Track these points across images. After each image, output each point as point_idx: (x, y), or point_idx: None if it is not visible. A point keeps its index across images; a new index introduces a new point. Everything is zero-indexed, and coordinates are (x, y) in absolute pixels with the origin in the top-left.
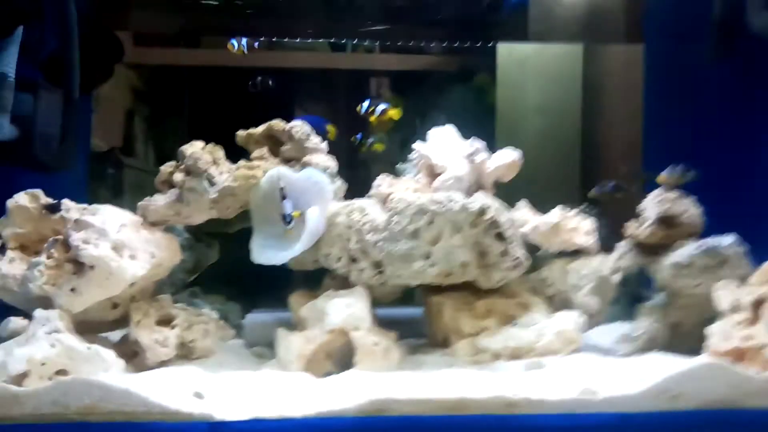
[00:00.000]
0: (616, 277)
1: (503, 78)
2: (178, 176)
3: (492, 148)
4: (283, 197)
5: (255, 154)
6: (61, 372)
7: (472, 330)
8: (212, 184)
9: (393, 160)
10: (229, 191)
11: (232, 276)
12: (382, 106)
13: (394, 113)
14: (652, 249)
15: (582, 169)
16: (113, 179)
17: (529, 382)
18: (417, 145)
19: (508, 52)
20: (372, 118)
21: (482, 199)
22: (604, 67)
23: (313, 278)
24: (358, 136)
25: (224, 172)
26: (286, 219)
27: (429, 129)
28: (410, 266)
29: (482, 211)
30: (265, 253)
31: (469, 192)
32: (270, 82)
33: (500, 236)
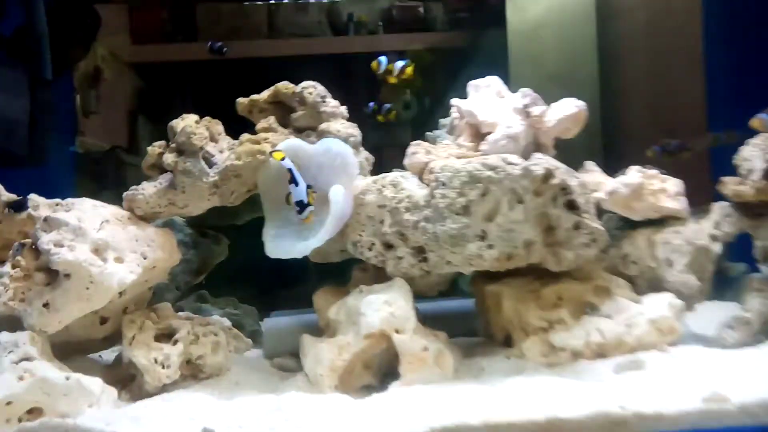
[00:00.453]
0: (717, 247)
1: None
2: (169, 157)
3: None
4: (292, 181)
5: (260, 124)
6: (34, 411)
7: (542, 324)
8: (211, 164)
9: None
10: (232, 172)
11: (246, 274)
12: (400, 63)
13: (410, 70)
14: (757, 209)
15: (603, 138)
16: (116, 179)
17: (630, 389)
18: (456, 102)
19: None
20: (391, 79)
21: (547, 160)
22: (634, 20)
23: (340, 271)
24: (370, 104)
25: (225, 150)
26: (301, 205)
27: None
28: (462, 250)
29: (549, 175)
30: (281, 244)
31: (526, 154)
32: (224, 49)
33: (572, 205)
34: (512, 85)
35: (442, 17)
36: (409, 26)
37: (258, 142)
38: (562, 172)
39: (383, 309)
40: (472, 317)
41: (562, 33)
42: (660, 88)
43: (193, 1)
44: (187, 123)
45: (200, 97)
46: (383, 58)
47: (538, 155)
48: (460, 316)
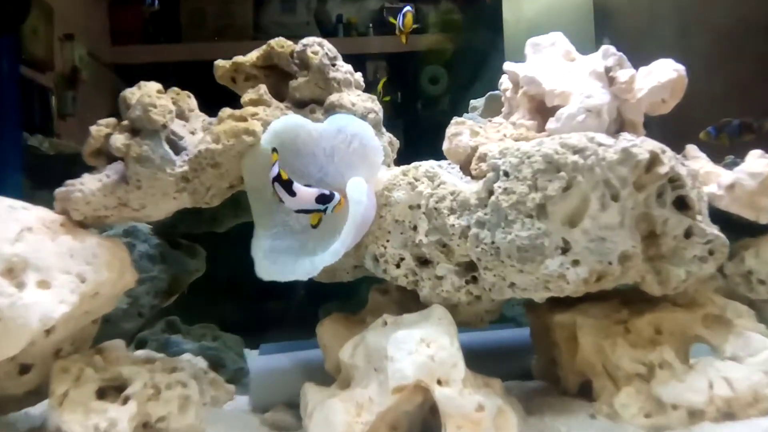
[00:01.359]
0: None
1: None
2: (119, 139)
3: None
4: (278, 179)
5: (247, 96)
6: None
7: (638, 368)
8: (178, 149)
9: None
10: (207, 159)
11: (229, 293)
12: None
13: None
14: None
15: None
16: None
17: None
18: (510, 66)
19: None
20: (402, 38)
21: (648, 141)
22: None
23: (350, 285)
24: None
25: (198, 130)
26: (316, 208)
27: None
28: (536, 268)
29: (655, 160)
30: (278, 261)
31: (608, 134)
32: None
33: (683, 203)
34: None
35: (434, 19)
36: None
37: (244, 119)
38: (670, 157)
39: (419, 351)
40: (522, 353)
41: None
42: None
43: (177, 1)
44: (145, 92)
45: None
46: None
47: (626, 135)
48: (503, 350)
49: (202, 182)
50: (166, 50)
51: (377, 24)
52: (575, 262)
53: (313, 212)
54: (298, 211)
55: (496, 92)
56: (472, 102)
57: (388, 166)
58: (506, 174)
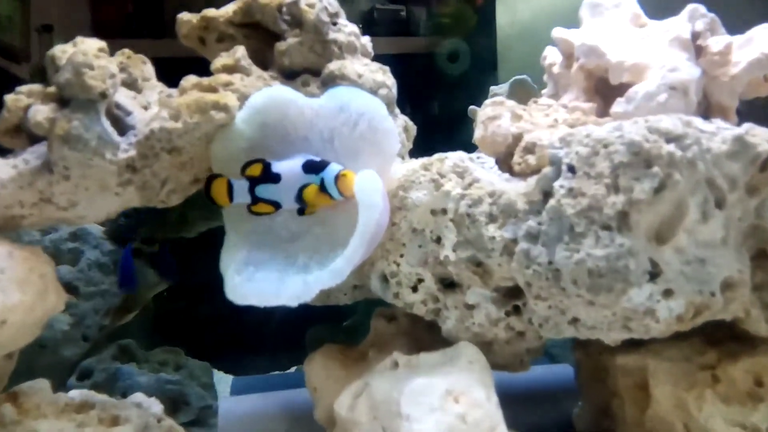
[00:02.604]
0: None
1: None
2: (42, 111)
3: None
4: (252, 181)
5: (220, 60)
6: None
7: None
8: (125, 128)
9: None
10: (162, 142)
11: (198, 310)
12: None
13: None
14: None
15: None
16: None
17: None
18: (560, 33)
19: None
20: None
21: (764, 131)
22: None
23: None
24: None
25: (152, 105)
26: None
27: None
28: (614, 299)
29: None
30: (255, 279)
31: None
32: None
33: None
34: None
35: (425, 21)
36: (390, 29)
37: (213, 90)
38: None
39: (446, 408)
40: (560, 398)
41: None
42: None
43: None
44: (80, 49)
45: None
46: None
47: (720, 122)
48: (535, 393)
49: (155, 173)
50: (149, 45)
51: (367, 25)
52: (668, 293)
53: (307, 189)
54: (300, 202)
55: (522, 76)
56: (493, 88)
57: (402, 158)
58: (572, 169)
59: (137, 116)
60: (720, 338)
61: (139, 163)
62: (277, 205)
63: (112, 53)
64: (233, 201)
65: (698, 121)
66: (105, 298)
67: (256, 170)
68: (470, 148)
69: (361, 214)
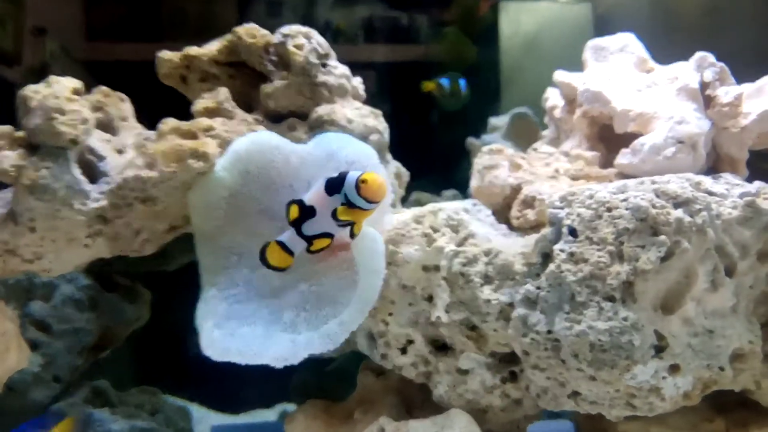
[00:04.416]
0: None
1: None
2: (9, 159)
3: None
4: (294, 224)
5: (201, 103)
6: None
7: None
8: (96, 175)
9: None
10: (136, 191)
11: (179, 348)
12: None
13: None
14: None
15: None
16: None
17: None
18: (563, 76)
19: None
20: None
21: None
22: None
23: None
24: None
25: (128, 148)
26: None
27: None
28: (617, 376)
29: None
30: (237, 334)
31: (700, 173)
32: None
33: None
34: (503, 101)
35: (427, 29)
36: (391, 37)
37: (193, 136)
38: None
39: None
40: None
41: (558, 46)
42: None
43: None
44: (52, 92)
45: (162, 102)
46: None
47: (730, 177)
48: None
49: (127, 223)
50: (144, 49)
51: (367, 32)
52: (674, 369)
53: (338, 210)
54: (340, 224)
55: (522, 109)
56: (492, 120)
57: (394, 205)
58: (573, 232)
59: (111, 162)
60: (728, 405)
61: (111, 213)
62: (329, 236)
63: (108, 56)
64: (294, 255)
65: (708, 182)
66: (79, 335)
67: (294, 213)
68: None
69: (363, 278)
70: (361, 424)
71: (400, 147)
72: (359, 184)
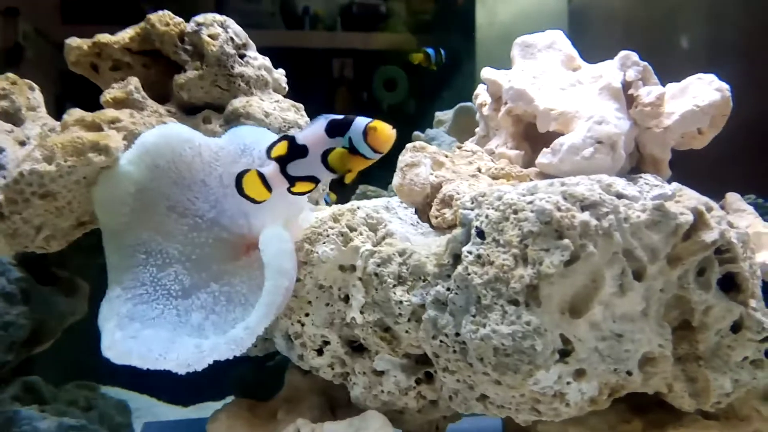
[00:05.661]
0: None
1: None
2: None
3: None
4: (280, 161)
5: (111, 92)
6: None
7: None
8: None
9: None
10: (33, 186)
11: None
12: None
13: None
14: None
15: None
16: None
17: None
18: (490, 74)
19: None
20: None
21: (687, 192)
22: None
23: None
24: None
25: (32, 139)
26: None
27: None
28: (521, 381)
29: (699, 222)
30: (140, 336)
31: (621, 174)
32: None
33: (732, 282)
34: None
35: (405, 17)
36: (369, 25)
37: (98, 127)
38: (720, 218)
39: None
40: None
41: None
42: None
43: None
44: None
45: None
46: None
47: (650, 178)
48: None
49: (26, 220)
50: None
51: (345, 19)
52: (579, 374)
53: (331, 154)
54: (331, 170)
55: (468, 104)
56: (438, 114)
57: (316, 203)
58: (481, 234)
59: (9, 154)
60: (645, 405)
61: (7, 209)
62: (314, 180)
63: (82, 38)
64: (272, 190)
65: (620, 184)
66: (9, 330)
67: (282, 149)
68: None
69: (268, 279)
70: (283, 424)
71: None
72: (368, 130)
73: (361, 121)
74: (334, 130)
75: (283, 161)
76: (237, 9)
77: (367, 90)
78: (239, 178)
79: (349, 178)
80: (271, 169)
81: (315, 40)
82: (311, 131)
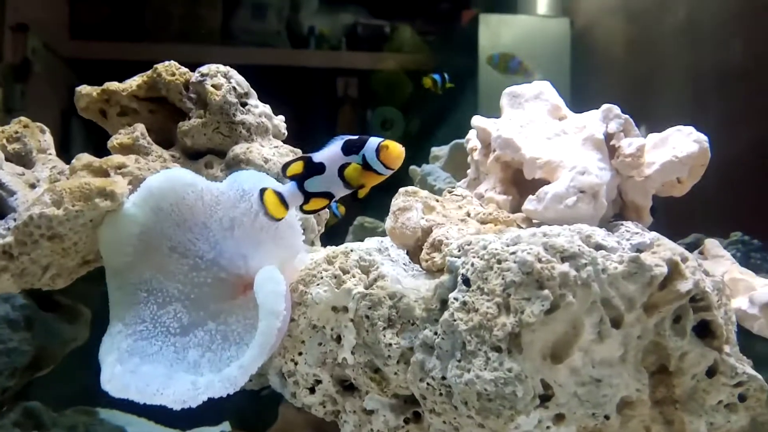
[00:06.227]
0: None
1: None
2: None
3: None
4: (295, 179)
5: (118, 138)
6: None
7: None
8: (5, 210)
9: None
10: (42, 229)
11: None
12: None
13: None
14: None
15: None
16: None
17: None
18: (479, 122)
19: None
20: None
21: (664, 243)
22: None
23: None
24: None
25: (42, 182)
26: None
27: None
28: (501, 425)
29: (674, 272)
30: (139, 372)
31: (604, 220)
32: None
33: (707, 329)
34: (480, 111)
35: (409, 38)
36: (373, 45)
37: (104, 173)
38: (694, 268)
39: None
40: None
41: (536, 59)
42: None
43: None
44: None
45: None
46: None
47: (631, 225)
48: None
49: (34, 260)
50: (127, 48)
51: (350, 39)
52: (559, 418)
53: (348, 168)
54: (347, 185)
55: (463, 140)
56: (434, 150)
57: (312, 243)
58: (467, 282)
59: (20, 197)
60: None
61: (17, 250)
62: (329, 197)
63: (91, 54)
64: (288, 207)
65: (599, 235)
66: (11, 357)
67: (297, 168)
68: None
69: (262, 320)
70: None
71: None
72: (381, 148)
73: (374, 141)
74: (350, 148)
75: (300, 179)
76: (244, 27)
77: (371, 109)
78: (261, 194)
79: (362, 193)
80: (288, 188)
81: (320, 60)
82: (328, 150)
